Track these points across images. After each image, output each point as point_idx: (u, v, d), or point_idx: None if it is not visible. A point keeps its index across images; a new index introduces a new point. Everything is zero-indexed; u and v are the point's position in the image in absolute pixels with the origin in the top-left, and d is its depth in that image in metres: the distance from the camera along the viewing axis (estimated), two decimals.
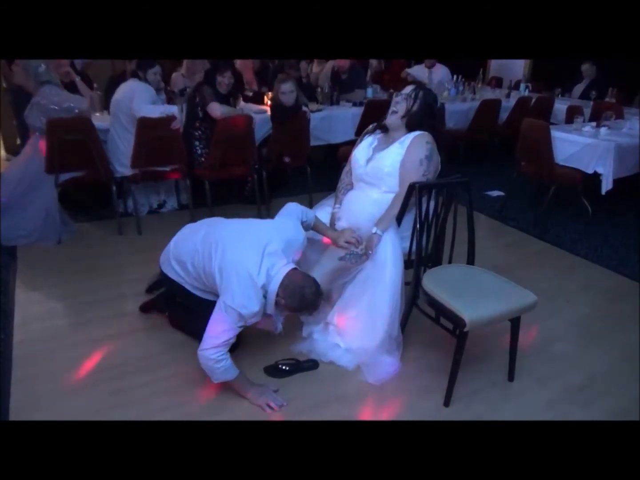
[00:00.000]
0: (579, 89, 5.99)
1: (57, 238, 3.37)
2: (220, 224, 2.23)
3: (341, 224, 2.40)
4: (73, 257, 3.22)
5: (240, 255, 1.98)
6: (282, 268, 1.97)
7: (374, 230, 2.26)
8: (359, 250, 2.28)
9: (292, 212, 2.28)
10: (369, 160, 2.37)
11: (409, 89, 2.34)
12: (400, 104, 2.32)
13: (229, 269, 1.96)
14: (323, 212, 2.52)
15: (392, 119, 2.34)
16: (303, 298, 1.95)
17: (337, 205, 2.49)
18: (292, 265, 2.02)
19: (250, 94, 4.95)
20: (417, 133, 2.29)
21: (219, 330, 1.91)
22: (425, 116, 2.31)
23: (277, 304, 1.99)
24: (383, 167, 2.30)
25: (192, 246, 2.16)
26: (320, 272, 2.29)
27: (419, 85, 2.39)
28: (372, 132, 2.48)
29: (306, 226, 2.29)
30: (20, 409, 1.96)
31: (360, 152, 2.43)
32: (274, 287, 1.95)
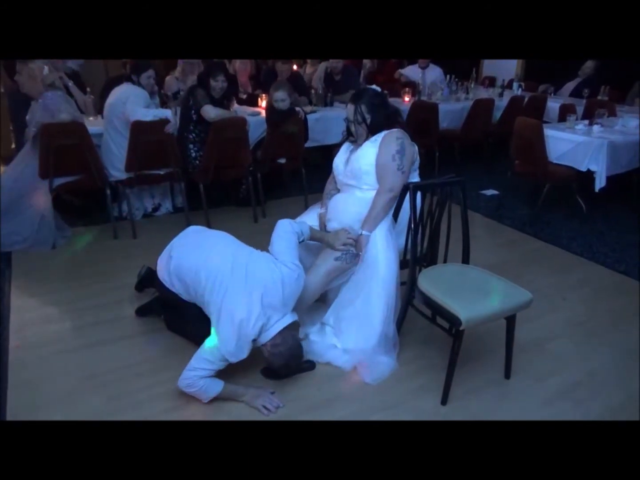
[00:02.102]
0: (569, 86, 6.01)
1: (52, 243, 3.36)
2: (225, 254, 2.14)
3: (332, 225, 2.40)
4: (68, 262, 3.21)
5: (240, 305, 1.98)
6: (276, 324, 2.02)
7: (360, 231, 2.28)
8: (354, 250, 2.29)
9: (289, 238, 2.21)
10: (346, 162, 2.39)
11: (350, 112, 2.32)
12: (357, 130, 2.32)
13: (227, 315, 1.97)
14: (313, 216, 2.54)
15: (360, 141, 2.34)
16: (286, 366, 2.08)
17: (323, 208, 2.52)
18: (287, 321, 2.05)
19: (244, 96, 4.95)
20: (386, 132, 2.30)
21: (202, 366, 1.96)
22: (381, 119, 2.30)
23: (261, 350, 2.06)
24: (360, 166, 2.31)
25: (195, 268, 2.13)
26: (315, 275, 2.30)
27: (352, 100, 2.35)
28: (347, 138, 2.48)
29: (303, 240, 2.30)
30: (17, 416, 1.94)
31: (339, 158, 2.46)
32: (263, 339, 2.01)
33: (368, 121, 2.29)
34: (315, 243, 2.43)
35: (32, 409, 1.98)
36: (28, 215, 3.32)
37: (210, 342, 1.98)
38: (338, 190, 2.50)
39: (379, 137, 2.29)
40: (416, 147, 2.37)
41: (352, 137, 2.41)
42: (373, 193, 2.30)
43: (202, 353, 1.98)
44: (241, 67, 5.31)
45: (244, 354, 1.99)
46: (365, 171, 2.30)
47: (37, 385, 2.12)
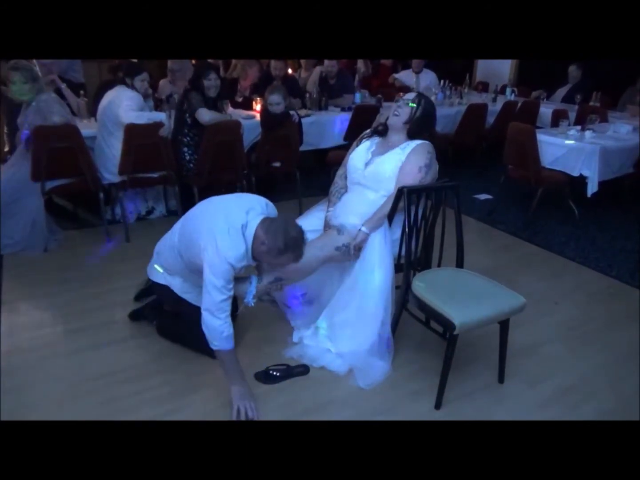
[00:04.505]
0: (561, 92, 6.07)
1: (43, 246, 3.33)
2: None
3: (336, 222, 2.36)
4: (60, 265, 3.18)
5: (218, 214, 1.98)
6: (259, 215, 1.97)
7: (360, 227, 2.27)
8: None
9: None
10: (367, 164, 2.37)
11: (412, 95, 2.38)
12: (402, 109, 2.34)
13: (207, 229, 1.94)
14: (314, 219, 2.52)
15: (395, 120, 2.35)
16: (288, 234, 1.89)
17: (330, 208, 2.48)
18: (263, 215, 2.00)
19: (240, 99, 4.94)
20: (419, 142, 2.32)
21: (220, 298, 1.90)
22: (426, 124, 2.36)
23: (256, 252, 1.95)
24: (384, 172, 2.31)
25: (171, 242, 2.18)
26: (314, 258, 2.27)
27: (421, 93, 2.42)
28: (370, 136, 2.49)
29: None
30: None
31: (358, 156, 2.43)
32: (252, 228, 1.93)
33: (418, 113, 2.31)
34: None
35: (24, 414, 1.96)
36: (20, 218, 3.29)
37: (205, 257, 1.92)
38: (347, 189, 2.49)
39: (408, 146, 2.31)
40: (437, 166, 2.39)
41: (381, 128, 2.42)
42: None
43: (210, 287, 1.90)
44: (251, 72, 5.25)
45: (239, 247, 1.90)
46: (389, 177, 2.30)
47: (28, 390, 2.10)
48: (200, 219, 2.04)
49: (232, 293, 1.95)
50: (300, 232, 1.95)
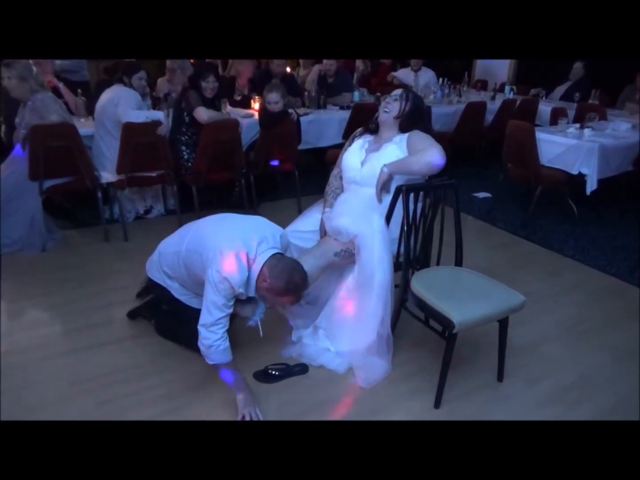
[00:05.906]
0: (560, 90, 6.07)
1: (41, 246, 3.33)
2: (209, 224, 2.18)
3: (335, 224, 2.33)
4: (58, 264, 3.18)
5: (231, 235, 1.97)
6: (270, 249, 1.97)
7: (382, 166, 2.25)
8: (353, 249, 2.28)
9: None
10: (363, 162, 2.36)
11: (399, 91, 2.40)
12: (392, 105, 2.35)
13: (216, 248, 1.92)
14: (312, 219, 2.52)
15: (386, 117, 2.36)
16: (291, 278, 1.92)
17: (326, 209, 2.47)
18: (273, 250, 1.99)
19: (239, 98, 4.93)
20: (411, 132, 2.33)
21: (215, 300, 1.89)
22: (416, 118, 2.36)
23: (258, 287, 1.95)
24: (380, 167, 2.29)
25: (177, 248, 2.15)
26: (314, 267, 2.26)
27: (407, 88, 2.44)
28: (361, 135, 2.48)
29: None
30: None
31: (353, 155, 2.42)
32: (259, 263, 1.92)
33: (408, 107, 2.32)
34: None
35: (21, 415, 1.95)
36: (18, 218, 3.28)
37: (207, 275, 1.91)
38: (342, 189, 2.48)
39: (403, 138, 2.32)
40: None
41: (373, 126, 2.44)
42: (385, 195, 2.29)
43: (210, 304, 1.89)
44: (244, 69, 5.24)
45: (243, 274, 1.90)
46: None
47: (25, 390, 2.10)
48: (213, 235, 2.01)
49: (231, 310, 1.95)
50: (304, 278, 1.99)
